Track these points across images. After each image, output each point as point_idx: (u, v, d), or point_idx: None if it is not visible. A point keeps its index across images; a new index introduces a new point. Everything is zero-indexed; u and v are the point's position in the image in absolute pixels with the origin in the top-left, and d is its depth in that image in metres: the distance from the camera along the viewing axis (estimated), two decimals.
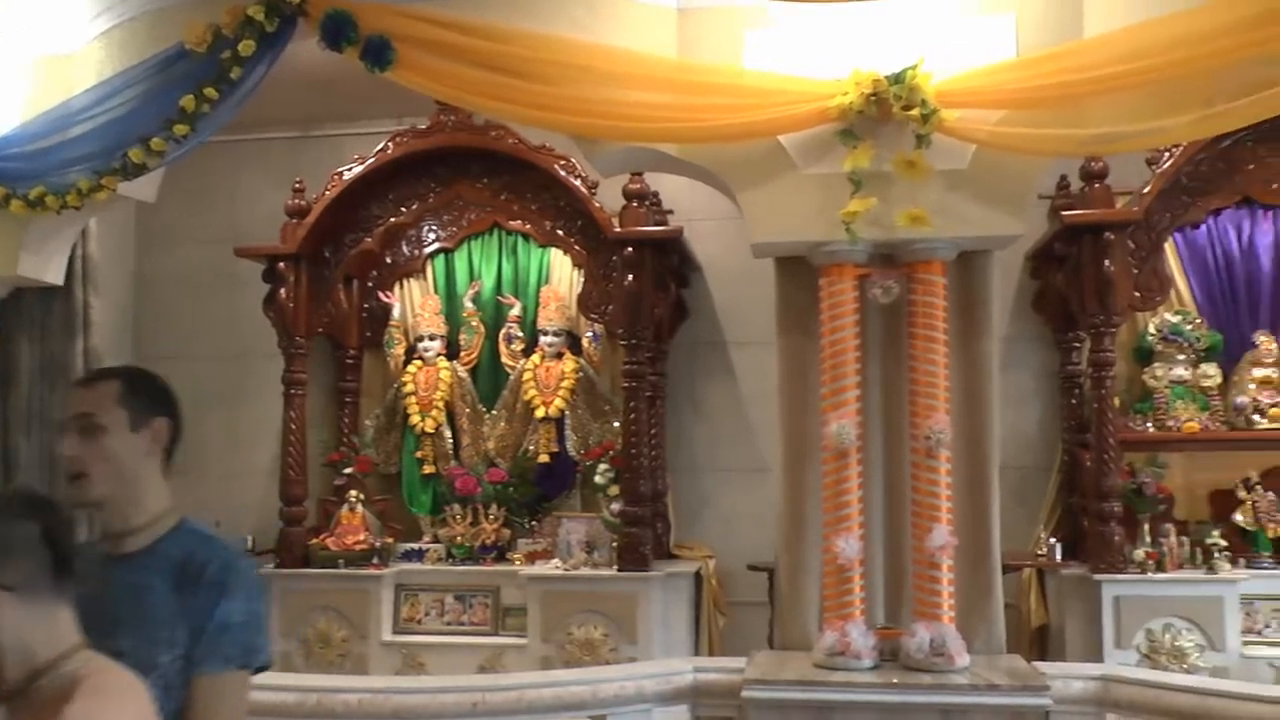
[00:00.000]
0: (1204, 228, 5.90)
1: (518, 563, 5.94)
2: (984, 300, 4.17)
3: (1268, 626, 5.36)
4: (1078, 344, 5.89)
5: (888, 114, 3.83)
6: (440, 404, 6.38)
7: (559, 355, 6.28)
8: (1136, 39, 3.91)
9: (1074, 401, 5.92)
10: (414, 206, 6.20)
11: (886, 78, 3.81)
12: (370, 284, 6.64)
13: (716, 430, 6.46)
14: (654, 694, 3.93)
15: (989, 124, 3.88)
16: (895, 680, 3.79)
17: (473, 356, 6.51)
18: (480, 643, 5.77)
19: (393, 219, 6.19)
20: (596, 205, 5.70)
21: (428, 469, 6.39)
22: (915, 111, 3.79)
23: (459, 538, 6.03)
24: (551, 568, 5.74)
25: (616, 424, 5.96)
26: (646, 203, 5.74)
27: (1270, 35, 3.80)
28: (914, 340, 3.99)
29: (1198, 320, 5.89)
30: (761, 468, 5.76)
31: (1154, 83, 3.92)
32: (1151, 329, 5.87)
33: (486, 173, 6.08)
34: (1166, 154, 5.27)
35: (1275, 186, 5.70)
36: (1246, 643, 5.24)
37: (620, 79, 4.06)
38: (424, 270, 6.66)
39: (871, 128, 3.89)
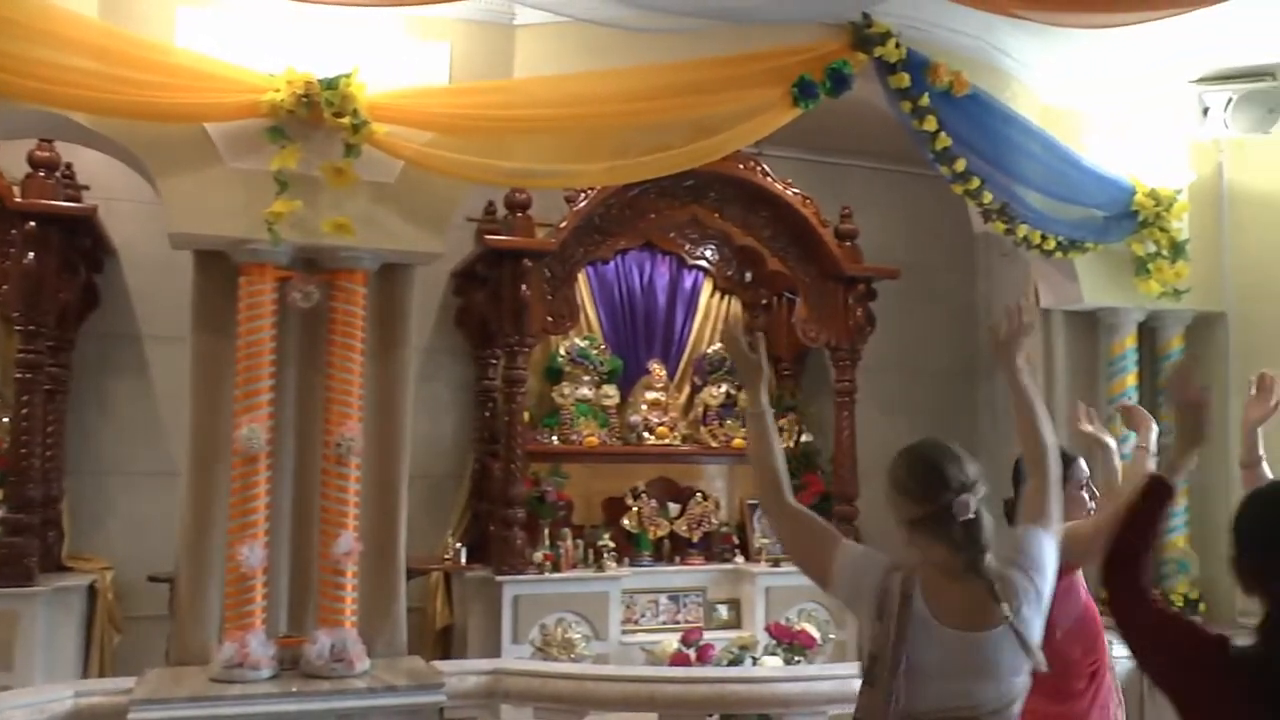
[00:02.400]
0: (612, 264, 6.52)
1: None
2: (404, 313, 4.28)
3: (644, 615, 6.02)
4: (494, 360, 6.12)
5: (319, 118, 3.82)
6: None
7: None
8: (560, 88, 4.28)
9: (487, 414, 6.19)
10: None
11: (320, 81, 3.81)
12: None
13: (126, 430, 5.94)
14: None
15: (418, 143, 4.01)
16: (294, 689, 3.77)
17: None
18: None
19: None
20: None
21: None
22: (346, 120, 3.82)
23: None
24: None
25: (6, 419, 5.29)
26: (56, 174, 5.16)
27: (668, 106, 4.36)
28: (332, 347, 4.00)
29: (603, 346, 6.47)
30: (173, 471, 5.35)
31: (572, 130, 4.32)
32: (562, 351, 6.35)
33: None
34: (583, 194, 5.64)
35: (672, 235, 6.51)
36: (626, 631, 5.83)
37: (34, 35, 3.64)
38: None
39: (303, 130, 3.86)
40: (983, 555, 2.17)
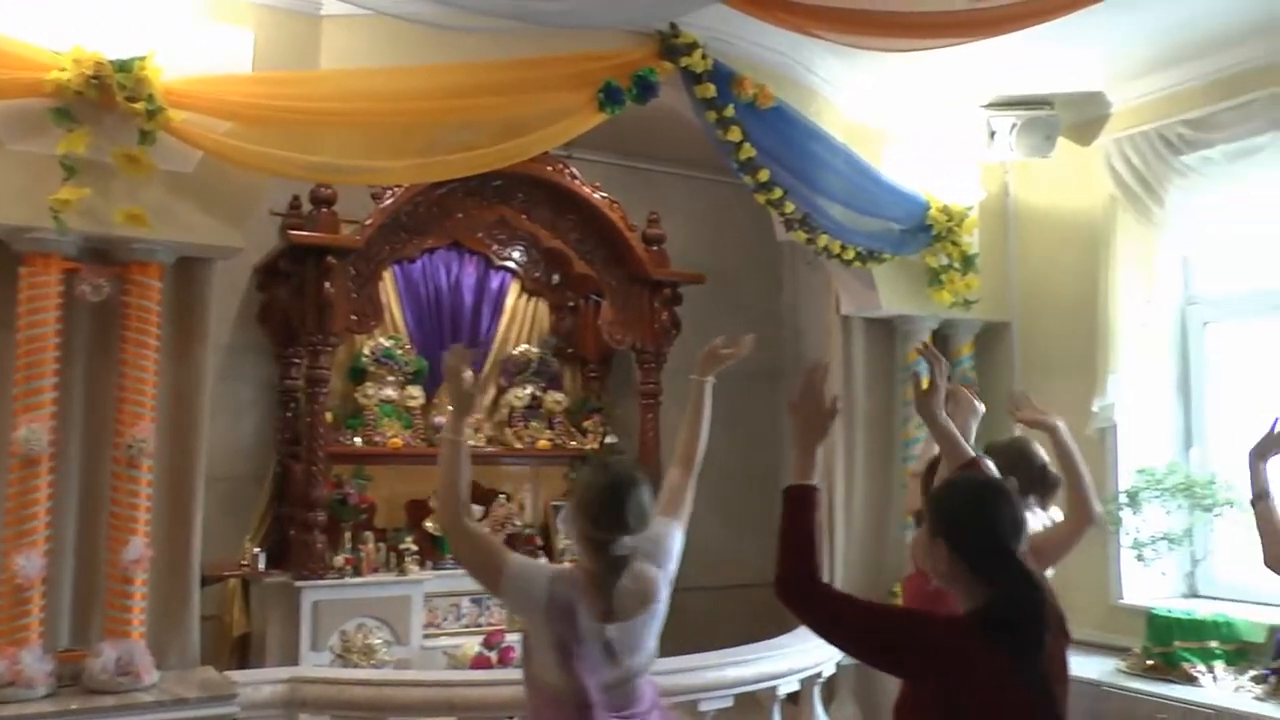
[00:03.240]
0: (419, 263, 6.42)
1: None
2: (202, 308, 4.11)
3: (446, 619, 5.95)
4: (297, 359, 5.94)
5: (111, 102, 3.61)
6: None
7: None
8: (366, 82, 4.19)
9: (290, 414, 6.01)
10: None
11: (112, 62, 3.60)
12: None
13: None
14: None
15: (217, 133, 3.85)
16: (74, 706, 3.55)
17: None
18: None
19: None
20: None
21: None
22: (140, 105, 3.62)
23: None
24: None
25: None
26: None
27: (475, 105, 4.34)
28: (124, 344, 3.80)
29: (408, 346, 6.38)
30: None
31: (379, 125, 4.23)
32: (366, 351, 6.22)
33: None
34: (390, 192, 5.54)
35: (480, 235, 6.47)
36: (428, 635, 5.75)
37: None
38: None
39: (93, 113, 3.64)
40: (621, 574, 2.63)
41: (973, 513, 2.21)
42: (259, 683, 4.10)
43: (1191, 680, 4.61)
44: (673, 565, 2.83)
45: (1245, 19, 4.81)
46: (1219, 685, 4.57)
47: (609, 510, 2.62)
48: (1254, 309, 5.40)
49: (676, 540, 2.88)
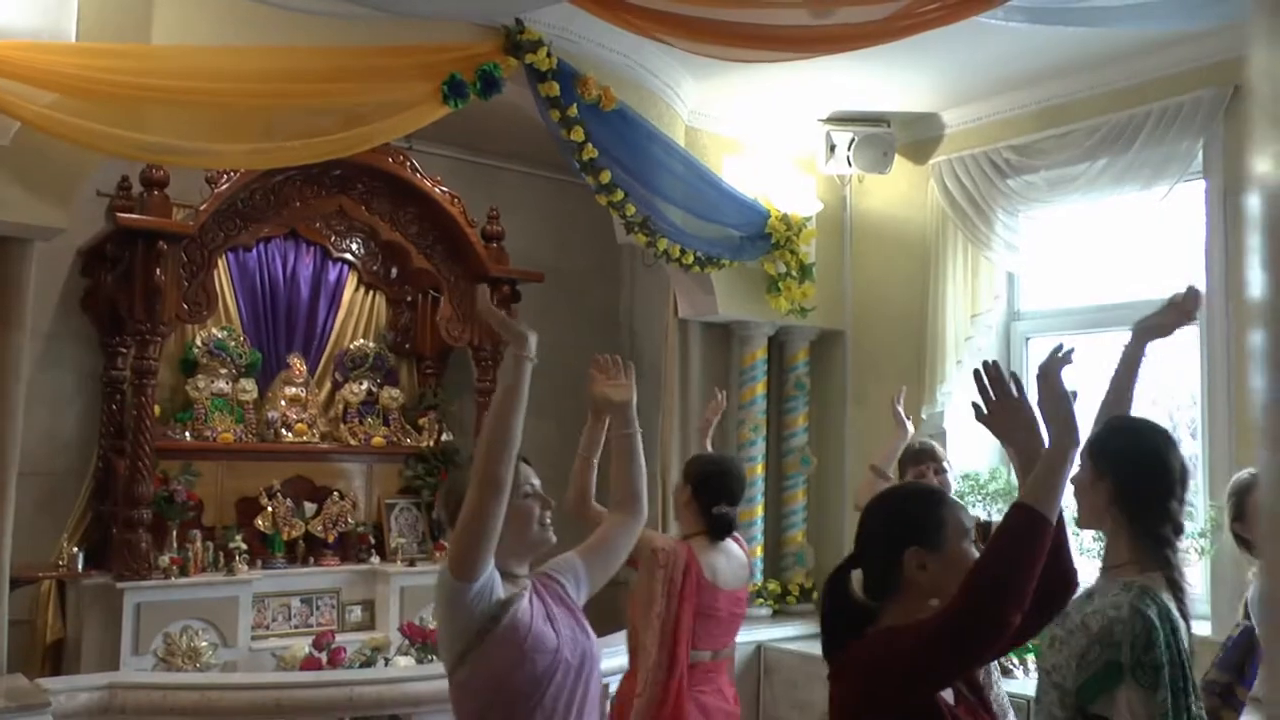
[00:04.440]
0: (255, 252, 6.22)
1: None
2: (19, 292, 3.91)
3: (275, 620, 5.80)
4: (124, 349, 5.69)
5: None
6: None
7: None
8: (201, 60, 4.05)
9: (115, 407, 5.74)
10: None
11: None
12: None
13: None
14: None
15: (38, 104, 3.65)
16: None
17: None
18: None
19: None
20: None
21: None
22: None
23: None
24: None
25: None
26: None
27: (316, 91, 4.24)
28: None
29: (242, 338, 6.16)
30: None
31: (214, 106, 4.08)
32: (198, 341, 5.99)
33: None
34: (225, 176, 5.36)
35: (317, 225, 6.31)
36: (256, 636, 5.58)
37: None
38: None
39: None
40: None
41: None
42: (74, 690, 3.91)
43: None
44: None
45: (1070, 54, 5.11)
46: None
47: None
48: (1071, 324, 5.73)
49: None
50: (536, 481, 2.48)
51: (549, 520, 2.44)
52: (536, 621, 2.31)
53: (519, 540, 2.38)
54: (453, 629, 2.27)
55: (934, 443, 4.12)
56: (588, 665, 2.40)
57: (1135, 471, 2.25)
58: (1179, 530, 2.22)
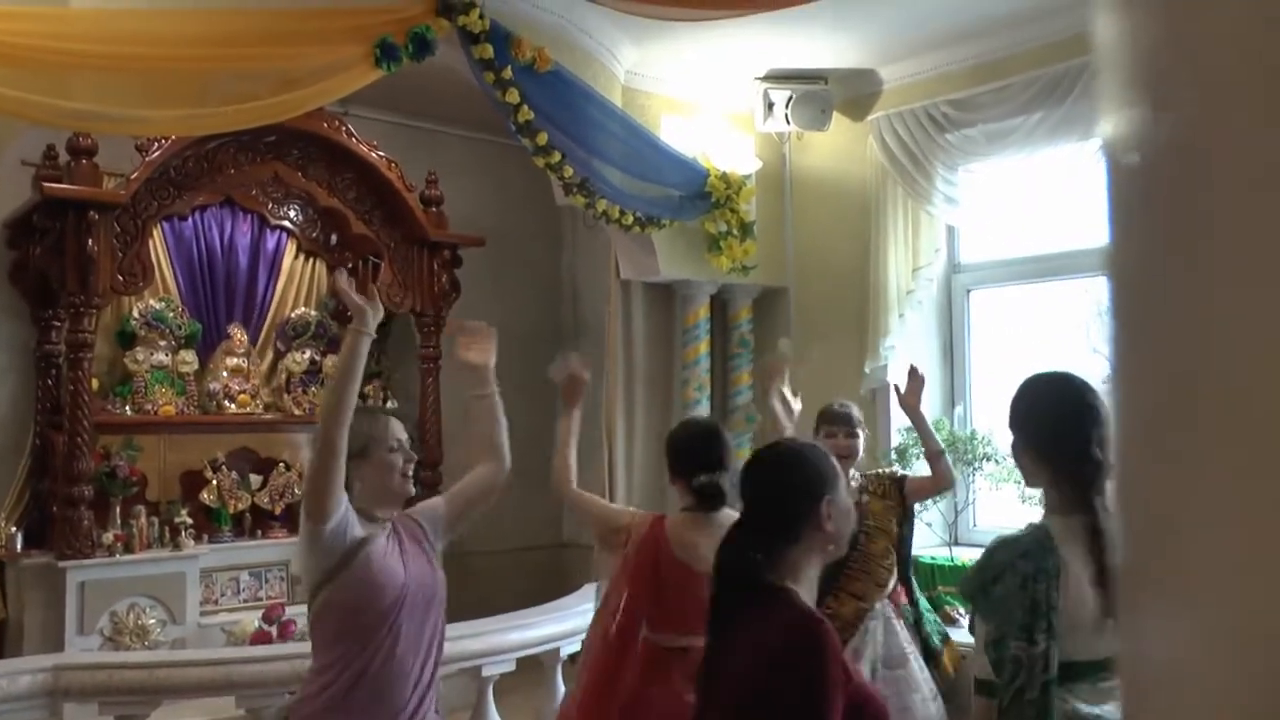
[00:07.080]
0: (190, 221, 6.10)
1: None
2: None
3: (224, 595, 5.76)
4: (57, 322, 5.58)
5: None
6: None
7: None
8: (118, 23, 3.92)
9: (50, 382, 5.64)
10: None
11: None
12: None
13: None
14: None
15: None
16: None
17: None
18: None
19: None
20: None
21: None
22: None
23: None
24: None
25: None
26: None
27: (246, 55, 4.14)
28: None
29: (180, 308, 6.05)
30: None
31: (141, 71, 3.97)
32: (135, 313, 5.87)
33: None
34: (157, 144, 5.24)
35: (254, 192, 6.19)
36: (205, 612, 5.55)
37: None
38: None
39: None
40: None
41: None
42: (16, 673, 3.82)
43: (952, 622, 4.94)
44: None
45: (1006, 8, 5.13)
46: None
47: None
48: (1010, 275, 5.80)
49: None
50: (403, 436, 2.65)
51: (410, 473, 2.61)
52: (389, 558, 2.51)
53: (382, 488, 2.58)
54: (309, 564, 2.50)
55: (853, 407, 4.04)
56: (436, 600, 2.62)
57: (1039, 422, 2.32)
58: (1100, 466, 2.26)
